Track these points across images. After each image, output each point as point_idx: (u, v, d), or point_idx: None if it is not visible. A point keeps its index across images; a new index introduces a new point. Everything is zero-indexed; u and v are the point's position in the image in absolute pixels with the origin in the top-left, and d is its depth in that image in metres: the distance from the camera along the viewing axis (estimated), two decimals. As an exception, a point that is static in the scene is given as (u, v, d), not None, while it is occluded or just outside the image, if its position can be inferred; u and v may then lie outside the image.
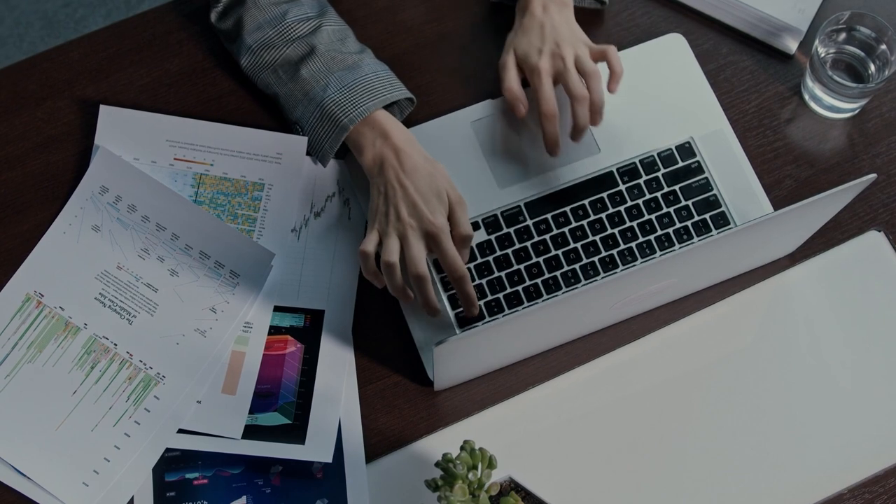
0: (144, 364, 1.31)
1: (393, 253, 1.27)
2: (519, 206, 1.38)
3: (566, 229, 1.37)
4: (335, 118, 1.33)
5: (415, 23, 1.46)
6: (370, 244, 1.29)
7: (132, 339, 1.32)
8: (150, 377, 1.31)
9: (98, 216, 1.36)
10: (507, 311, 1.34)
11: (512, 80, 1.36)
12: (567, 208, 1.38)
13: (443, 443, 1.30)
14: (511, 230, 1.37)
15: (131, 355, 1.31)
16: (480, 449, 1.17)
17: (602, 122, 1.36)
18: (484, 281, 1.35)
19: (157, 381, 1.31)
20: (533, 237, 1.37)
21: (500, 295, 1.35)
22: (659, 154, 1.40)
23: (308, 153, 1.38)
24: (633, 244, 1.37)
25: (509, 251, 1.36)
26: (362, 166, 1.34)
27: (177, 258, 1.35)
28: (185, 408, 1.30)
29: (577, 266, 1.36)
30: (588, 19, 1.46)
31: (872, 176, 1.15)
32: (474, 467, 1.16)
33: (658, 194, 1.39)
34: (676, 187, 1.39)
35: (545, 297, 1.35)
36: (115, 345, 1.32)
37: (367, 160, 1.32)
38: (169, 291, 1.34)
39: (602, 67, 1.39)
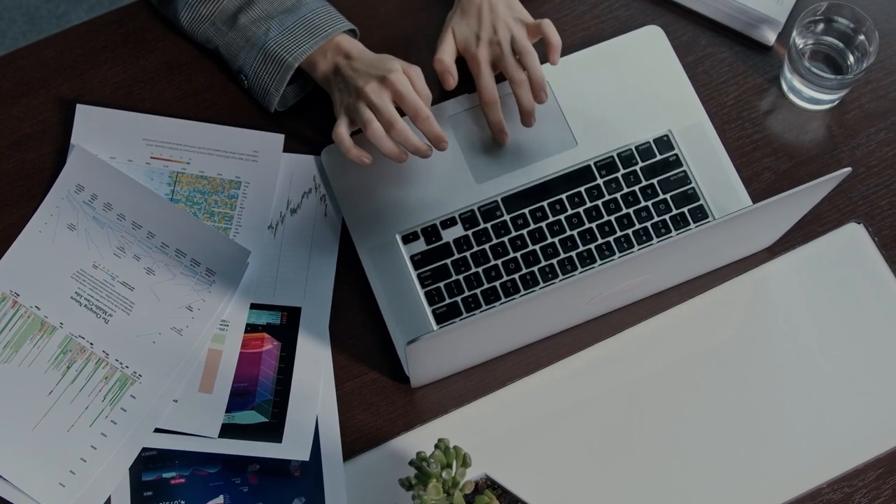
0: (121, 363, 1.31)
1: (371, 120, 1.30)
2: (496, 201, 1.37)
3: (543, 224, 1.36)
4: (279, 58, 1.35)
5: (391, 16, 1.45)
6: (341, 126, 1.33)
7: (108, 339, 1.32)
8: (127, 376, 1.30)
9: (74, 215, 1.35)
10: (483, 307, 1.33)
11: (445, 52, 1.37)
12: (545, 203, 1.37)
13: (420, 440, 1.30)
14: (488, 225, 1.36)
15: (108, 354, 1.31)
16: (455, 447, 1.16)
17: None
18: (461, 277, 1.34)
19: (133, 381, 1.30)
20: (510, 232, 1.36)
21: (478, 291, 1.34)
22: (637, 147, 1.39)
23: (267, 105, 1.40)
24: (610, 238, 1.36)
25: (486, 246, 1.36)
26: (318, 80, 1.37)
27: (153, 256, 1.34)
28: (161, 407, 1.29)
29: (554, 261, 1.35)
30: (565, 11, 1.45)
31: (847, 170, 1.14)
32: (448, 466, 1.15)
33: (636, 188, 1.38)
34: (654, 181, 1.38)
35: (523, 292, 1.34)
36: (92, 344, 1.31)
37: (322, 71, 1.36)
38: (145, 290, 1.33)
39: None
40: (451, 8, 1.39)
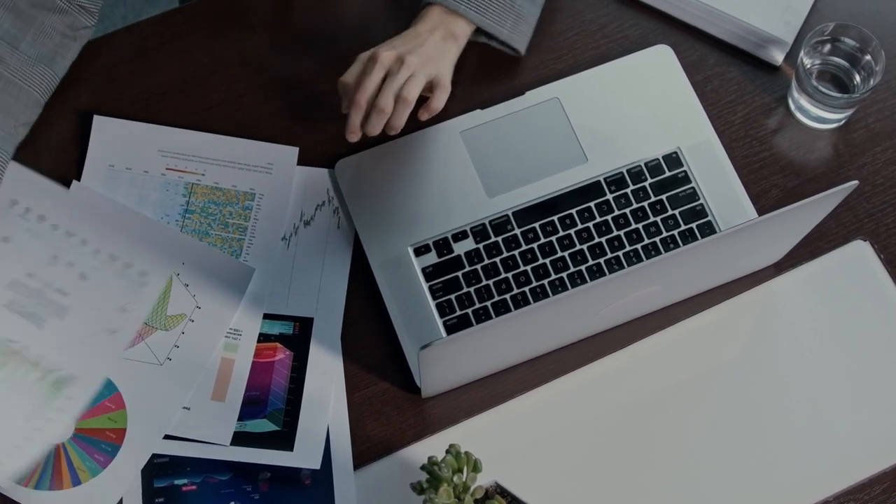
0: (55, 366, 1.31)
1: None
2: (507, 215, 1.39)
3: (553, 238, 1.38)
4: None
5: (404, 30, 1.47)
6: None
7: (43, 343, 1.32)
8: (61, 378, 1.31)
9: (9, 228, 1.37)
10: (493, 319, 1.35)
11: (350, 73, 1.35)
12: (555, 217, 1.39)
13: (430, 450, 1.30)
14: (499, 239, 1.38)
15: (42, 357, 1.32)
16: (466, 452, 1.17)
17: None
18: (472, 289, 1.36)
19: (66, 382, 1.31)
20: (521, 246, 1.38)
21: (488, 303, 1.36)
22: (646, 164, 1.41)
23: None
24: (619, 253, 1.38)
25: (497, 259, 1.37)
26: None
27: (86, 262, 1.35)
28: (171, 414, 1.30)
29: (564, 274, 1.37)
30: (576, 30, 1.47)
31: (854, 182, 1.15)
32: (459, 470, 1.16)
33: (645, 204, 1.40)
34: (663, 197, 1.40)
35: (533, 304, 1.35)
36: (26, 348, 1.32)
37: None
38: (79, 295, 1.34)
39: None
40: None
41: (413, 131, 1.42)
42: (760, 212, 1.40)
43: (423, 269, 1.37)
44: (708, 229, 1.39)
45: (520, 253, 1.38)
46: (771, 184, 1.42)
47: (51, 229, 1.37)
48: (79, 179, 1.39)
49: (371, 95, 1.33)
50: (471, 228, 1.38)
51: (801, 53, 1.39)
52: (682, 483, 1.30)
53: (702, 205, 1.40)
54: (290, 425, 1.31)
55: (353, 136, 1.34)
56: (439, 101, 1.35)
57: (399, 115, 1.33)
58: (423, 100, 1.37)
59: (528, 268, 1.37)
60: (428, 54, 1.34)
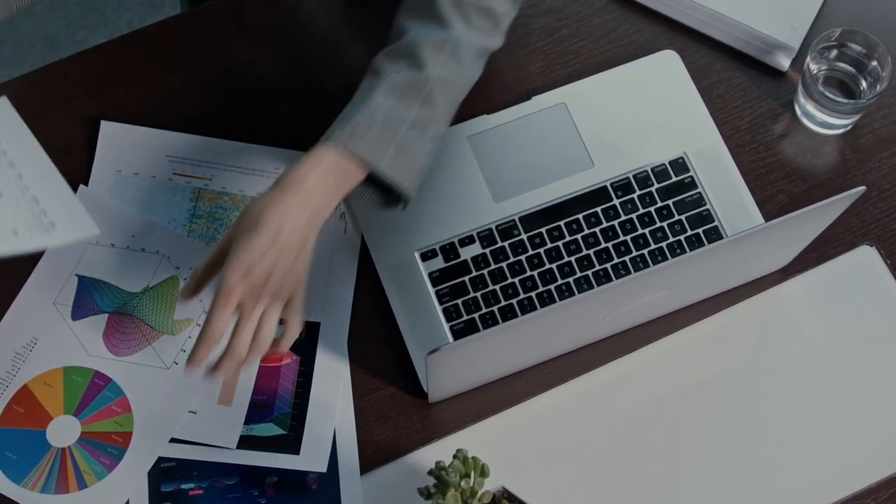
0: None
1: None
2: (514, 220, 1.39)
3: (560, 243, 1.38)
4: None
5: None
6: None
7: None
8: None
9: None
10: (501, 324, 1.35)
11: (205, 266, 1.21)
12: (561, 222, 1.39)
13: (437, 454, 1.30)
14: (506, 244, 1.38)
15: None
16: (473, 457, 1.18)
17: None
18: (479, 294, 1.36)
19: None
20: (527, 251, 1.38)
21: (495, 308, 1.36)
22: (652, 169, 1.41)
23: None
24: (626, 258, 1.38)
25: (504, 264, 1.37)
26: None
27: (11, 189, 1.27)
28: (176, 418, 1.30)
29: (570, 279, 1.37)
30: (582, 35, 1.48)
31: (861, 188, 1.16)
32: (467, 475, 1.16)
33: (651, 209, 1.40)
34: (670, 202, 1.40)
35: (539, 309, 1.36)
36: None
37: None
38: None
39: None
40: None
41: (420, 136, 1.42)
42: (767, 217, 1.40)
43: (430, 274, 1.37)
44: (714, 234, 1.39)
45: (526, 258, 1.38)
46: (777, 189, 1.42)
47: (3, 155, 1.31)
48: (86, 185, 1.40)
49: (221, 330, 1.18)
50: (477, 233, 1.38)
51: (808, 59, 1.39)
52: (688, 486, 1.30)
53: (708, 210, 1.40)
54: (297, 429, 1.31)
55: (195, 371, 1.20)
56: (286, 345, 1.23)
57: (251, 360, 1.21)
58: None
59: (535, 273, 1.37)
60: (284, 263, 1.18)
